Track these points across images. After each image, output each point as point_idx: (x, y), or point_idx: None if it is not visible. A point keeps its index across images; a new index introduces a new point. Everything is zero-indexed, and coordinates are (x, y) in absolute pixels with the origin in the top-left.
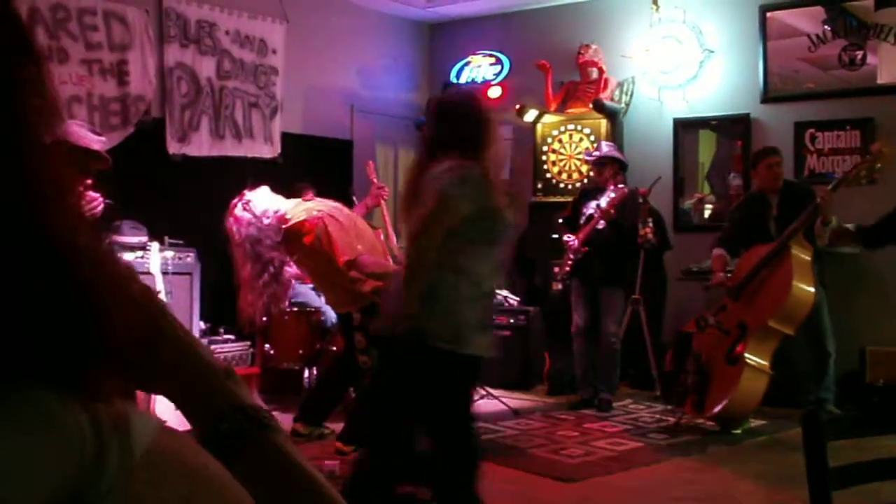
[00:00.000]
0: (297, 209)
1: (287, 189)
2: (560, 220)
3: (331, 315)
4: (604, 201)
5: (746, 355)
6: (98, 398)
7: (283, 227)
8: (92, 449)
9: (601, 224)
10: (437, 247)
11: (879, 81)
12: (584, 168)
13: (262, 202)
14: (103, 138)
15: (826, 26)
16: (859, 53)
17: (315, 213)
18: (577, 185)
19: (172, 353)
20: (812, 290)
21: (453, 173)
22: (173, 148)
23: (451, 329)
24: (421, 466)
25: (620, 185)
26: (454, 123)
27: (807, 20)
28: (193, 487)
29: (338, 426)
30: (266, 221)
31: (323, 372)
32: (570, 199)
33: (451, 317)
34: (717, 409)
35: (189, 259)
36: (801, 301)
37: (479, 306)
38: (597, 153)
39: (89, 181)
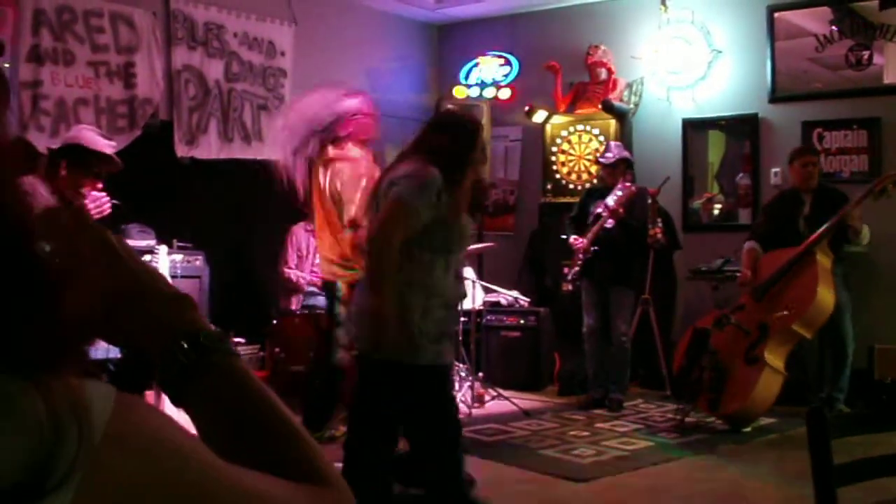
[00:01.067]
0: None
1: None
2: (567, 221)
3: (341, 316)
4: (611, 200)
5: (766, 356)
6: (54, 378)
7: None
8: (50, 433)
9: (610, 223)
10: (394, 254)
11: (886, 81)
12: (594, 168)
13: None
14: (114, 143)
15: (833, 26)
16: (866, 53)
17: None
18: (587, 185)
19: (124, 288)
20: (833, 296)
21: (412, 180)
22: (181, 151)
23: (404, 340)
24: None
25: (628, 184)
26: (445, 135)
27: (814, 20)
28: (162, 456)
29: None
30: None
31: (309, 377)
32: (579, 199)
33: (405, 327)
34: (734, 408)
35: (198, 262)
36: (823, 307)
37: (435, 317)
38: (609, 155)
39: (100, 185)
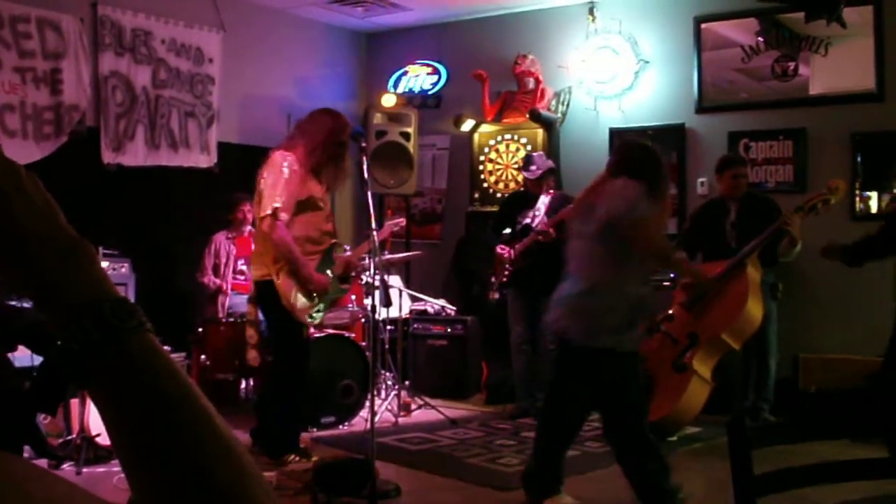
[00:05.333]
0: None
1: (223, 199)
2: (489, 226)
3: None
4: (541, 214)
5: (695, 365)
6: None
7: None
8: None
9: (541, 236)
10: None
11: (811, 92)
12: (521, 177)
13: None
14: None
15: (759, 38)
16: (792, 65)
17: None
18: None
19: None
20: (761, 309)
21: (634, 195)
22: (108, 157)
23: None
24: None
25: (552, 191)
26: (644, 161)
27: (741, 31)
28: None
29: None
30: None
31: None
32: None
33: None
34: (661, 415)
35: (124, 269)
36: (752, 319)
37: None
38: (534, 168)
39: None
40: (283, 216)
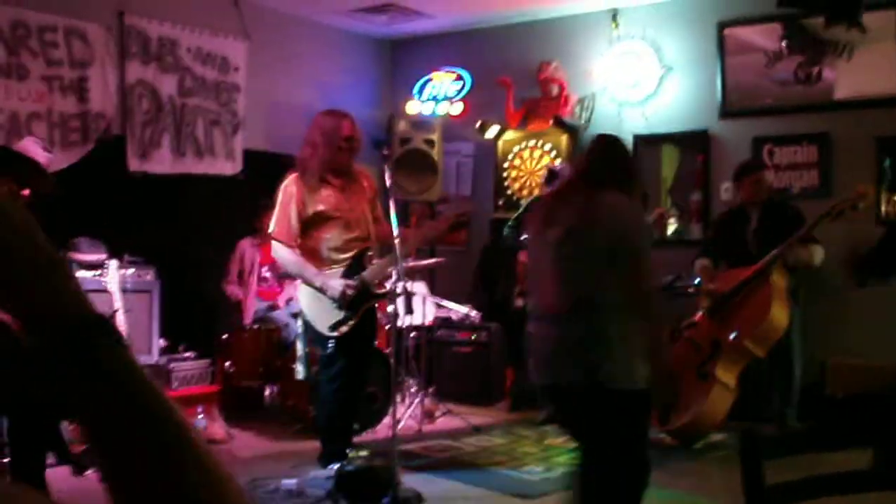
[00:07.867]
0: None
1: (248, 206)
2: (507, 228)
3: (292, 331)
4: None
5: (718, 373)
6: None
7: None
8: None
9: None
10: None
11: (836, 97)
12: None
13: None
14: (50, 154)
15: (783, 42)
16: (816, 69)
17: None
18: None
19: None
20: (787, 315)
21: (641, 219)
22: (134, 165)
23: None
24: None
25: None
26: (617, 162)
27: (764, 36)
28: None
29: None
30: None
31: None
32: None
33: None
34: (684, 422)
35: (149, 277)
36: (776, 325)
37: None
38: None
39: (25, 192)
40: (281, 240)
